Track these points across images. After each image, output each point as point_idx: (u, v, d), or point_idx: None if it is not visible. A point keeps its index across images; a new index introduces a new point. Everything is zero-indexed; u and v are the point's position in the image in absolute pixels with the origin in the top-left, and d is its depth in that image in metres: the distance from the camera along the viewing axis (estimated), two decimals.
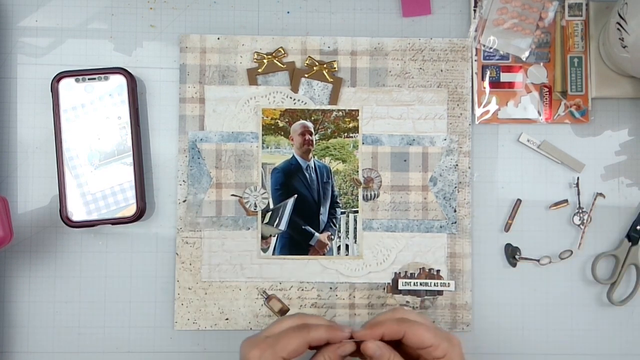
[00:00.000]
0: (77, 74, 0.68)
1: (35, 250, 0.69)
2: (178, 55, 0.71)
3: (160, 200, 0.70)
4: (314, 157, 0.70)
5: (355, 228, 0.70)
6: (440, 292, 0.70)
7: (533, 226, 0.71)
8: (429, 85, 0.71)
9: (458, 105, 0.71)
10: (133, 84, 0.68)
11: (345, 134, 0.70)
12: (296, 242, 0.70)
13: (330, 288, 0.70)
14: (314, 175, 0.70)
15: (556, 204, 0.71)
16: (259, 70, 0.70)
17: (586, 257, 0.71)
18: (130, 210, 0.68)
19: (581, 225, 0.71)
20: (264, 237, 0.70)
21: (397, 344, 0.58)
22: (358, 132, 0.70)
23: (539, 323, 0.71)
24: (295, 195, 0.70)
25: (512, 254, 0.71)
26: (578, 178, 0.71)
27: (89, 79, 0.68)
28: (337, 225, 0.70)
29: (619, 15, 0.64)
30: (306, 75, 0.70)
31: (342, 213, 0.70)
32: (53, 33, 0.71)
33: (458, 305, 0.70)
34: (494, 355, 0.71)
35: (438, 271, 0.70)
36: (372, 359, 0.57)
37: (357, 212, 0.70)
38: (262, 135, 0.70)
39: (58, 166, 0.67)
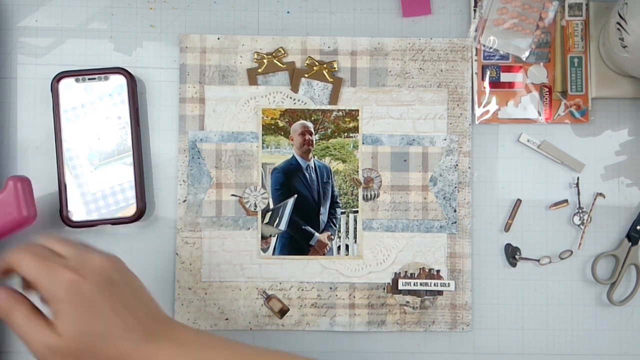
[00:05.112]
0: (77, 74, 0.68)
1: None
2: (178, 55, 0.71)
3: (160, 200, 0.70)
4: (314, 157, 0.70)
5: (355, 228, 0.70)
6: (440, 292, 0.70)
7: (533, 226, 0.71)
8: (429, 85, 0.71)
9: (458, 105, 0.71)
10: (133, 84, 0.68)
11: (345, 134, 0.70)
12: (296, 242, 0.70)
13: (330, 288, 0.70)
14: (314, 175, 0.70)
15: (556, 204, 0.71)
16: (259, 70, 0.70)
17: (586, 257, 0.71)
18: (130, 210, 0.68)
19: (581, 225, 0.71)
20: (264, 237, 0.70)
21: None
22: (358, 132, 0.70)
23: (539, 323, 0.71)
24: (295, 195, 0.70)
25: (512, 254, 0.71)
26: (578, 178, 0.71)
27: (89, 79, 0.68)
28: (337, 225, 0.70)
29: (619, 15, 0.64)
30: (306, 75, 0.70)
31: (342, 213, 0.70)
32: (53, 33, 0.71)
33: (458, 305, 0.70)
34: (494, 355, 0.71)
35: (438, 271, 0.70)
36: None
37: (357, 212, 0.70)
38: (262, 135, 0.70)
39: (58, 166, 0.67)
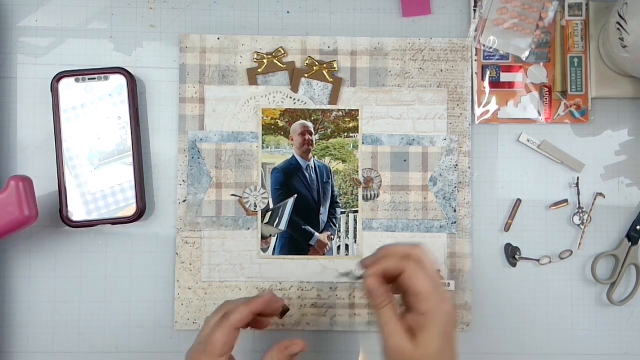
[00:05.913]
0: (77, 74, 0.68)
1: (35, 250, 0.69)
2: (178, 55, 0.71)
3: (160, 200, 0.70)
4: (314, 157, 0.70)
5: (355, 228, 0.70)
6: None
7: (533, 226, 0.71)
8: (429, 85, 0.71)
9: (458, 105, 0.71)
10: (133, 84, 0.68)
11: (345, 134, 0.70)
12: (296, 242, 0.70)
13: (330, 288, 0.70)
14: (314, 175, 0.70)
15: (556, 204, 0.71)
16: (259, 70, 0.70)
17: (586, 257, 0.71)
18: (130, 210, 0.68)
19: (581, 225, 0.71)
20: (264, 237, 0.70)
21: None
22: (358, 132, 0.70)
23: (539, 323, 0.71)
24: (295, 195, 0.70)
25: (512, 254, 0.71)
26: (578, 178, 0.71)
27: (89, 79, 0.68)
28: (337, 225, 0.70)
29: (619, 15, 0.64)
30: (306, 75, 0.70)
31: (342, 213, 0.70)
32: (53, 33, 0.71)
33: (458, 305, 0.70)
34: (494, 355, 0.71)
35: (438, 271, 0.70)
36: (368, 293, 0.55)
37: (357, 212, 0.70)
38: (262, 135, 0.70)
39: (58, 166, 0.67)
